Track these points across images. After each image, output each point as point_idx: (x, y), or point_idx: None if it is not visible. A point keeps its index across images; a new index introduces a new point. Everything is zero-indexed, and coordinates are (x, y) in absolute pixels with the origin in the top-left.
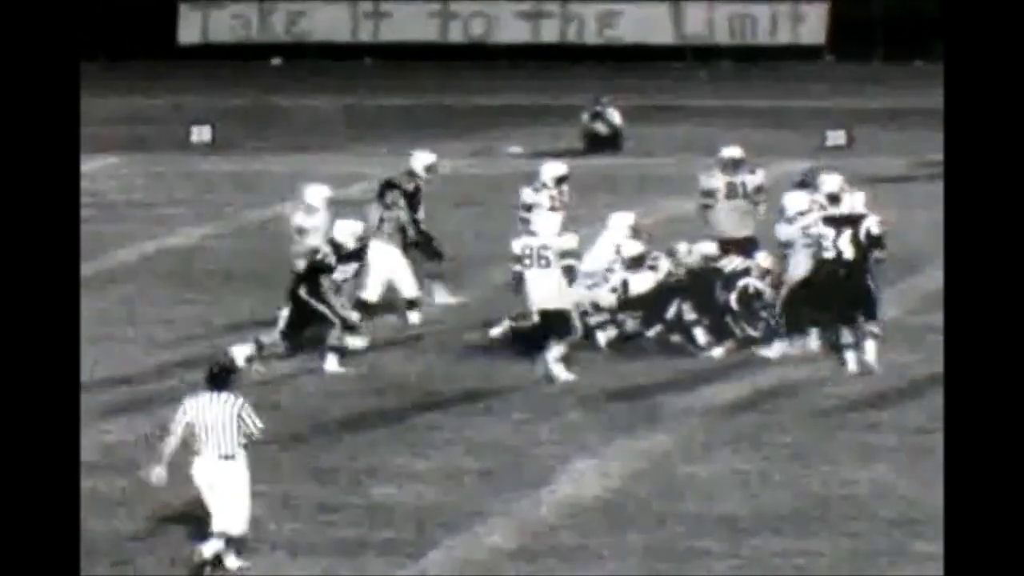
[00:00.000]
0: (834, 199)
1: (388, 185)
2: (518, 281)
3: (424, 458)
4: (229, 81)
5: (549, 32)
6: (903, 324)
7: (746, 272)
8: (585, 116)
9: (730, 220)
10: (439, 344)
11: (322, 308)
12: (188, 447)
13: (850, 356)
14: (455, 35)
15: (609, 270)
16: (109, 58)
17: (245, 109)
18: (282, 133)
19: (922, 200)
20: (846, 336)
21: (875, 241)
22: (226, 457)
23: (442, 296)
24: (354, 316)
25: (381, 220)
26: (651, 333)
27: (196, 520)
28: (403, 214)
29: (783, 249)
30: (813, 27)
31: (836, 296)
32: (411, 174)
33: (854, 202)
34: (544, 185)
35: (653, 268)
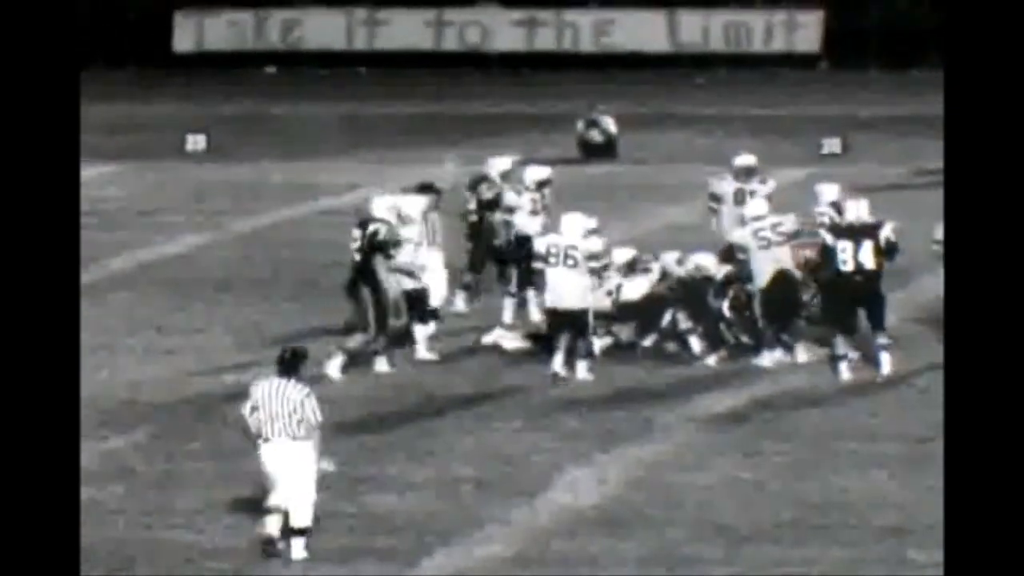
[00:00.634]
0: (837, 208)
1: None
2: (539, 278)
3: (420, 466)
4: (224, 89)
5: (544, 40)
6: (898, 333)
7: (737, 279)
8: (580, 124)
9: (735, 226)
10: (436, 351)
11: (369, 306)
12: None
13: (843, 366)
14: (450, 43)
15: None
16: (105, 66)
17: (240, 117)
18: (277, 141)
19: (918, 209)
20: (840, 347)
21: (893, 248)
22: (295, 439)
23: (461, 305)
24: (396, 325)
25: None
26: (646, 342)
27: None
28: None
29: (739, 253)
30: (808, 35)
31: (851, 304)
32: (487, 179)
33: (859, 210)
34: (526, 188)
35: (647, 271)
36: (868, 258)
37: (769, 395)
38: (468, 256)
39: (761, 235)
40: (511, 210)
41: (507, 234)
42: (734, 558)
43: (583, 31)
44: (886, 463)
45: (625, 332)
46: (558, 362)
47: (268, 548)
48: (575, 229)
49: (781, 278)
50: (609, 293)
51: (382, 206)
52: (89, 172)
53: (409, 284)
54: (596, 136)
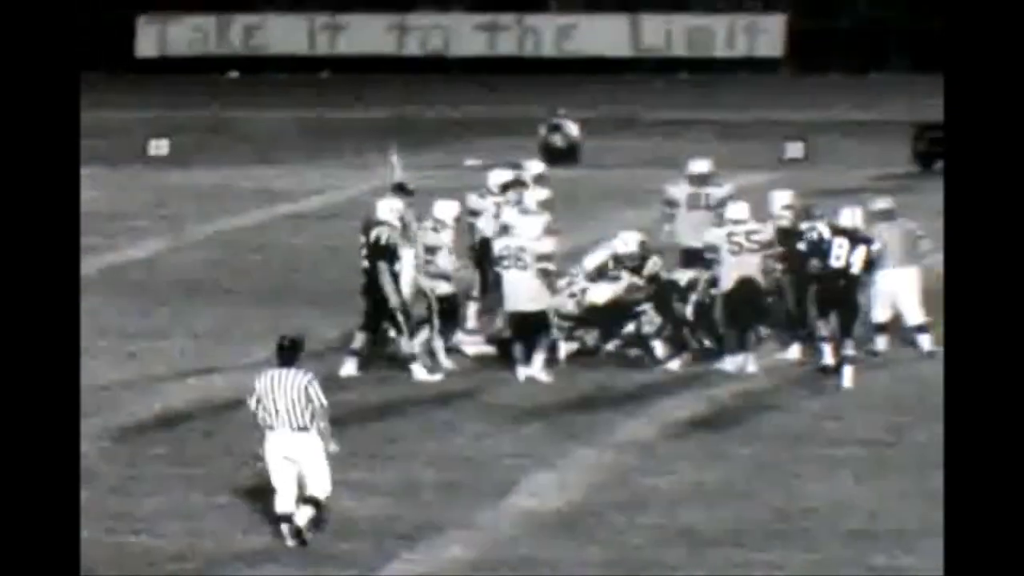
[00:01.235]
0: (794, 211)
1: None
2: (496, 282)
3: (383, 470)
4: (186, 94)
5: (506, 45)
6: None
7: (699, 283)
8: (543, 129)
9: (690, 231)
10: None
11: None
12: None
13: (826, 348)
14: (412, 48)
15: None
16: None
17: (203, 122)
18: (240, 146)
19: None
20: (822, 329)
21: (875, 264)
22: (301, 429)
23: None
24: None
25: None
26: (610, 346)
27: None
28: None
29: (708, 253)
30: (771, 39)
31: (828, 304)
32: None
33: (855, 218)
34: (490, 191)
35: (615, 279)
36: (858, 262)
37: (732, 399)
38: None
39: (734, 240)
40: (475, 213)
41: (471, 238)
42: (698, 562)
43: (545, 36)
44: (850, 467)
45: (590, 337)
46: (520, 366)
47: (298, 538)
48: (527, 231)
49: (745, 284)
50: (572, 295)
51: (385, 208)
52: None
53: (445, 288)
54: (559, 141)
